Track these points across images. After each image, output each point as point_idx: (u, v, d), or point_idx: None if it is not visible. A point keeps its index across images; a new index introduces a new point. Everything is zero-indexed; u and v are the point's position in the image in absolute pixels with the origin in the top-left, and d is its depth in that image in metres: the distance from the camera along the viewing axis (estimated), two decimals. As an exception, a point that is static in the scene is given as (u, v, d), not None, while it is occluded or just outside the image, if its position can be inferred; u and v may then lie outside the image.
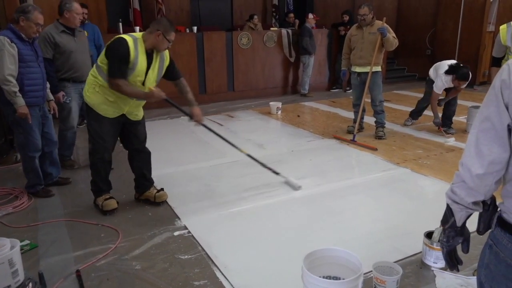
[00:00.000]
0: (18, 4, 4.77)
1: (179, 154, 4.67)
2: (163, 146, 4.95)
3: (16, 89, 3.21)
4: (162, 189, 3.45)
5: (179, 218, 3.15)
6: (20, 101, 3.23)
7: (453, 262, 1.36)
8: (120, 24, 7.17)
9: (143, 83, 3.05)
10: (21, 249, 2.41)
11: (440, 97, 5.27)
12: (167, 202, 3.41)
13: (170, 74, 3.28)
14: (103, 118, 3.10)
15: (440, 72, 5.02)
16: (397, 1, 10.64)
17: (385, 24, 4.86)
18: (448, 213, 1.31)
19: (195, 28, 7.82)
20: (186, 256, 2.63)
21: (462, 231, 1.31)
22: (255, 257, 2.63)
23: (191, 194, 3.59)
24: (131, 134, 3.32)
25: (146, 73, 3.03)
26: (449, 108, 5.38)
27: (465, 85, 5.06)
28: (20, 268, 2.24)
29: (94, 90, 3.05)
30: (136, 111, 3.24)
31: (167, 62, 3.21)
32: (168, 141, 5.17)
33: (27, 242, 2.78)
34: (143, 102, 3.27)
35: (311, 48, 8.05)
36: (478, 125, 1.16)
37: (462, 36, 9.17)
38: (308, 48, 8.02)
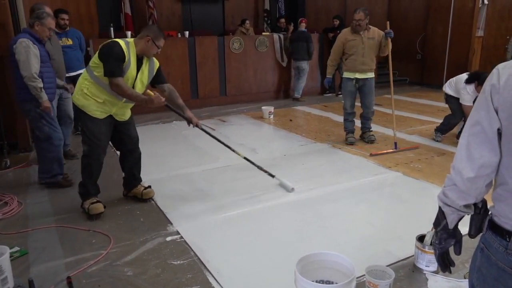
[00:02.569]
0: (8, 9, 4.73)
1: (171, 159, 4.65)
2: (155, 151, 4.93)
3: (42, 85, 3.56)
4: (149, 187, 3.56)
5: (171, 223, 3.13)
6: (44, 96, 3.58)
7: (445, 264, 1.37)
8: (112, 28, 7.15)
9: (133, 87, 3.11)
10: (10, 256, 2.38)
11: None
12: (159, 207, 3.40)
13: (157, 78, 3.35)
14: (97, 119, 3.13)
15: (460, 86, 4.82)
16: (387, 5, 10.75)
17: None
18: (440, 216, 1.32)
19: (186, 33, 7.82)
20: (178, 262, 2.62)
21: (454, 233, 1.32)
22: (247, 261, 2.63)
23: (183, 199, 3.57)
24: (123, 135, 3.36)
25: (135, 77, 3.11)
26: None
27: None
28: (9, 276, 2.22)
29: (83, 92, 3.09)
30: (123, 112, 3.29)
31: (157, 65, 3.30)
32: (160, 146, 5.15)
33: (17, 248, 2.75)
34: (131, 104, 3.31)
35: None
36: (469, 129, 1.17)
37: (451, 40, 9.27)
38: (313, 54, 8.10)
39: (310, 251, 2.19)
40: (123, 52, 2.94)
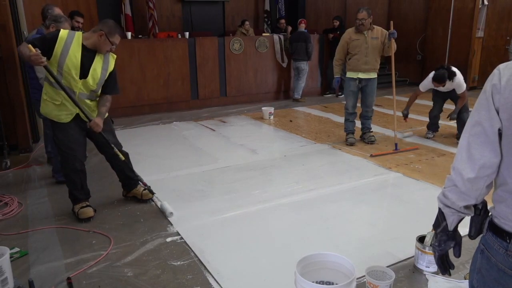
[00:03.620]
0: (9, 10, 4.74)
1: (171, 160, 4.65)
2: (155, 152, 4.92)
3: None
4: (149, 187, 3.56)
5: (171, 224, 3.13)
6: None
7: (445, 266, 1.37)
8: (112, 29, 7.14)
9: (83, 78, 3.00)
10: (10, 257, 2.38)
11: (452, 113, 5.14)
12: (159, 208, 3.40)
13: (105, 84, 3.17)
14: (65, 127, 3.10)
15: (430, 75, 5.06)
16: (387, 6, 10.76)
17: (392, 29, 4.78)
18: (440, 217, 1.32)
19: (187, 34, 7.82)
20: (178, 263, 2.62)
21: (454, 235, 1.32)
22: (248, 262, 2.63)
23: (183, 200, 3.57)
24: (100, 143, 3.33)
25: (83, 69, 2.99)
26: (460, 117, 5.16)
27: (446, 88, 5.02)
28: (9, 276, 2.22)
29: (43, 98, 3.09)
30: (89, 109, 3.15)
31: (111, 68, 3.17)
32: (160, 147, 5.15)
33: (17, 249, 2.75)
34: (92, 104, 3.18)
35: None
36: (470, 130, 1.17)
37: (452, 41, 9.28)
38: (312, 54, 8.10)
39: (310, 252, 2.19)
40: (55, 38, 2.90)
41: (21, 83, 4.87)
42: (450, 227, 1.29)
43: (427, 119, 5.55)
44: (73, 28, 5.17)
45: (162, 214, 3.30)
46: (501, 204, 1.15)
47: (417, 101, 8.07)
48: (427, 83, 5.13)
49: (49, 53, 2.90)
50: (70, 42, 2.95)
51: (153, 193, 3.53)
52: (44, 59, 2.79)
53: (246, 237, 2.95)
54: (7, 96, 4.78)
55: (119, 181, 3.55)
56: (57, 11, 4.09)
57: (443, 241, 1.32)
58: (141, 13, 9.62)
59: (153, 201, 3.53)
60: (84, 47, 3.00)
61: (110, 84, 3.20)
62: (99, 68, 3.08)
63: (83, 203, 3.24)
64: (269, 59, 8.33)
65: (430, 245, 2.38)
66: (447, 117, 5.20)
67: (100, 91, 3.18)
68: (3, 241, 2.86)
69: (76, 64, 2.97)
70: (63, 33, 2.96)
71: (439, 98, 5.39)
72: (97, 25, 3.08)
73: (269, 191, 3.74)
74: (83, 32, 3.08)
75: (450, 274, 1.41)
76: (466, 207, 1.23)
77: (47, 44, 2.90)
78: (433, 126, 5.48)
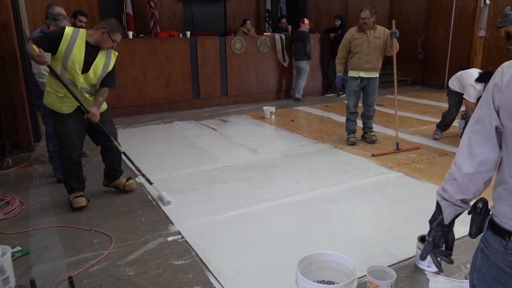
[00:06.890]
0: (11, 9, 4.75)
1: (172, 159, 4.66)
2: (156, 151, 4.93)
3: None
4: (130, 178, 3.73)
5: (172, 223, 3.13)
6: None
7: (438, 261, 1.39)
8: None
9: (85, 72, 3.14)
10: (12, 256, 2.39)
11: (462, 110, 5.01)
12: (160, 207, 3.40)
13: (105, 79, 3.33)
14: (66, 118, 3.21)
15: (469, 81, 4.77)
16: (389, 6, 10.74)
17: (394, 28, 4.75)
18: (437, 211, 1.34)
19: (188, 33, 7.83)
20: (179, 262, 2.62)
21: (448, 233, 1.33)
22: (249, 262, 2.63)
23: (184, 199, 3.57)
24: (97, 134, 3.43)
25: (86, 64, 3.13)
26: None
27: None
28: (11, 275, 2.23)
29: (46, 90, 3.21)
30: (88, 103, 3.27)
31: (112, 64, 3.32)
32: (161, 146, 5.15)
33: (18, 248, 2.76)
34: (90, 100, 3.30)
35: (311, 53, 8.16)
36: (471, 126, 1.19)
37: (453, 41, 9.26)
38: (311, 54, 8.10)
39: (312, 251, 2.19)
40: (60, 35, 3.03)
41: (22, 82, 4.88)
42: (446, 221, 1.31)
43: (429, 119, 5.54)
44: (75, 27, 5.20)
45: (163, 214, 3.30)
46: (501, 202, 1.16)
47: (418, 100, 8.12)
48: (476, 93, 4.73)
49: (54, 49, 3.03)
50: (75, 38, 3.09)
51: (151, 183, 3.53)
52: (47, 58, 2.95)
53: (247, 236, 2.95)
54: (8, 95, 4.79)
55: (103, 170, 3.65)
56: (58, 10, 4.10)
57: (438, 237, 1.34)
58: (143, 12, 9.63)
59: (154, 201, 3.52)
60: (87, 44, 3.14)
61: (109, 79, 3.36)
62: (101, 64, 3.23)
63: (77, 193, 3.36)
64: (270, 58, 8.33)
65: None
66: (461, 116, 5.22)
67: (99, 85, 3.33)
68: (4, 240, 2.87)
69: (80, 59, 3.11)
70: (68, 30, 3.09)
71: (458, 101, 5.13)
72: (100, 23, 3.23)
73: (270, 190, 3.74)
74: (86, 30, 3.21)
75: (442, 270, 1.42)
76: (463, 200, 1.25)
77: (52, 41, 3.04)
78: (444, 127, 5.36)
